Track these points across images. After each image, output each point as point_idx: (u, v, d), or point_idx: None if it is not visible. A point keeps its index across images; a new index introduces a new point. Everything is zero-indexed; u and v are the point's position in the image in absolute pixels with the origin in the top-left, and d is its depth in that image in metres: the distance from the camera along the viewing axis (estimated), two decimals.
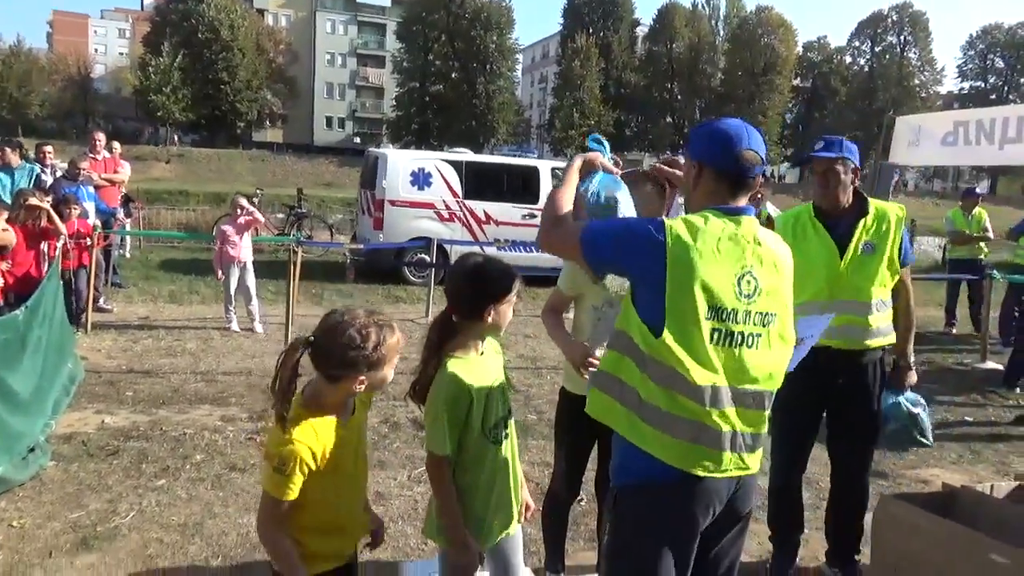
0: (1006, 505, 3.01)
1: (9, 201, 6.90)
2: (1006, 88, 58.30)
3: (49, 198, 6.99)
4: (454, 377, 2.09)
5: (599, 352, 2.66)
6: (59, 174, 8.95)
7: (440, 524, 2.18)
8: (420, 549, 3.51)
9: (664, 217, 2.15)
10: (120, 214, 9.54)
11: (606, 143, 2.53)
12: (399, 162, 11.31)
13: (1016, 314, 8.56)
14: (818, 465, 3.97)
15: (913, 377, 3.27)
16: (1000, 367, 7.74)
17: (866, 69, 59.23)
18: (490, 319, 2.16)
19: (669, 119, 55.75)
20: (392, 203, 11.01)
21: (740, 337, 1.91)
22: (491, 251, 9.86)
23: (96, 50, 71.84)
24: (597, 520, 3.17)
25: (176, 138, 50.30)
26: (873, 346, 3.15)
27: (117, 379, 5.91)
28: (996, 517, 2.87)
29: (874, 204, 3.19)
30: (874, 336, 3.14)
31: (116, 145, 10.31)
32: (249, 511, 3.80)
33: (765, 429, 2.02)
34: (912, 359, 3.30)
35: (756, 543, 3.65)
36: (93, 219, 7.95)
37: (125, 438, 4.69)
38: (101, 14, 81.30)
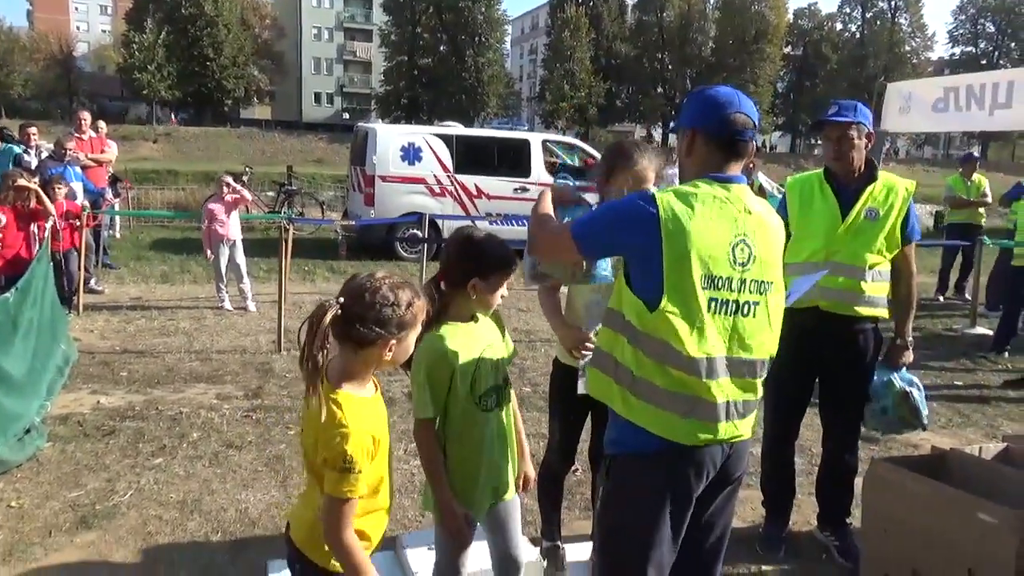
0: (994, 466, 3.05)
1: None
2: (996, 53, 58.02)
3: (36, 179, 6.92)
4: (435, 343, 2.11)
5: (593, 333, 2.70)
6: (44, 155, 8.85)
7: (432, 492, 2.21)
8: (418, 521, 3.55)
9: (653, 189, 2.15)
10: (108, 194, 9.46)
11: (572, 178, 2.60)
12: (389, 137, 11.23)
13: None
14: (810, 431, 4.02)
15: (909, 356, 3.29)
16: (989, 332, 7.82)
17: (857, 36, 58.81)
18: (473, 293, 2.16)
19: (660, 89, 55.35)
20: (383, 179, 10.95)
21: (736, 305, 1.92)
22: (483, 225, 9.83)
23: (78, 28, 70.59)
24: (591, 489, 3.21)
25: (173, 117, 49.79)
26: (864, 314, 3.16)
27: (111, 360, 5.91)
28: (984, 478, 2.92)
29: (884, 175, 3.20)
30: (866, 304, 3.15)
31: (102, 124, 10.21)
32: (247, 487, 3.83)
33: (758, 395, 2.04)
34: (910, 338, 3.30)
35: (749, 508, 3.70)
36: (81, 199, 7.89)
37: (121, 418, 4.70)
38: None
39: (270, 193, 15.94)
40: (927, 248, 10.62)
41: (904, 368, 3.28)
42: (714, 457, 1.97)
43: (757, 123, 2.03)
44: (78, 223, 7.31)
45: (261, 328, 7.08)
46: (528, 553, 2.68)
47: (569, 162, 11.86)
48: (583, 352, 2.59)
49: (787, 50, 57.94)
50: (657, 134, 58.19)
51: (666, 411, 1.90)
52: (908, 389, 3.23)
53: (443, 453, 2.20)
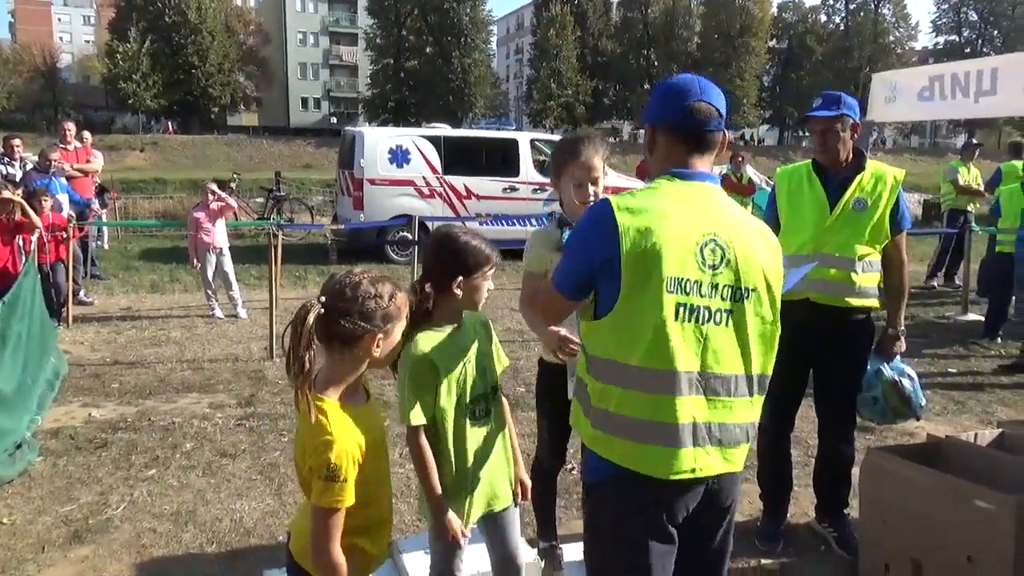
0: (989, 452, 3.05)
1: None
2: (980, 41, 58.33)
3: (20, 191, 6.86)
4: (418, 350, 2.08)
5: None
6: (29, 167, 8.78)
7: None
8: (415, 526, 3.53)
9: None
10: (95, 205, 9.39)
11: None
12: (377, 140, 11.20)
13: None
14: (805, 423, 4.01)
15: (901, 345, 3.28)
16: (981, 319, 7.84)
17: (841, 27, 59.05)
18: (459, 292, 2.14)
19: (647, 86, 55.37)
20: (371, 182, 10.92)
21: (707, 313, 1.73)
22: (473, 225, 9.82)
23: (61, 39, 70.29)
24: None
25: (171, 125, 49.55)
26: (855, 305, 3.15)
27: (102, 371, 5.86)
28: (981, 465, 2.91)
29: (873, 164, 3.20)
30: (857, 295, 3.14)
31: (87, 135, 10.12)
32: (241, 496, 3.80)
33: (745, 419, 1.83)
34: (902, 328, 3.30)
35: (747, 502, 3.70)
36: (67, 211, 7.83)
37: (113, 430, 4.66)
38: (64, 1, 79.46)
39: (259, 199, 15.87)
40: (916, 236, 10.65)
41: (897, 357, 3.28)
42: (684, 492, 1.78)
43: (722, 111, 1.84)
44: (64, 235, 7.25)
45: (253, 335, 7.04)
46: (526, 554, 2.66)
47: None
48: (569, 351, 2.58)
49: (772, 43, 58.16)
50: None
51: (623, 439, 1.75)
52: (898, 378, 3.22)
53: (436, 461, 2.17)
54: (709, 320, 1.73)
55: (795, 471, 3.60)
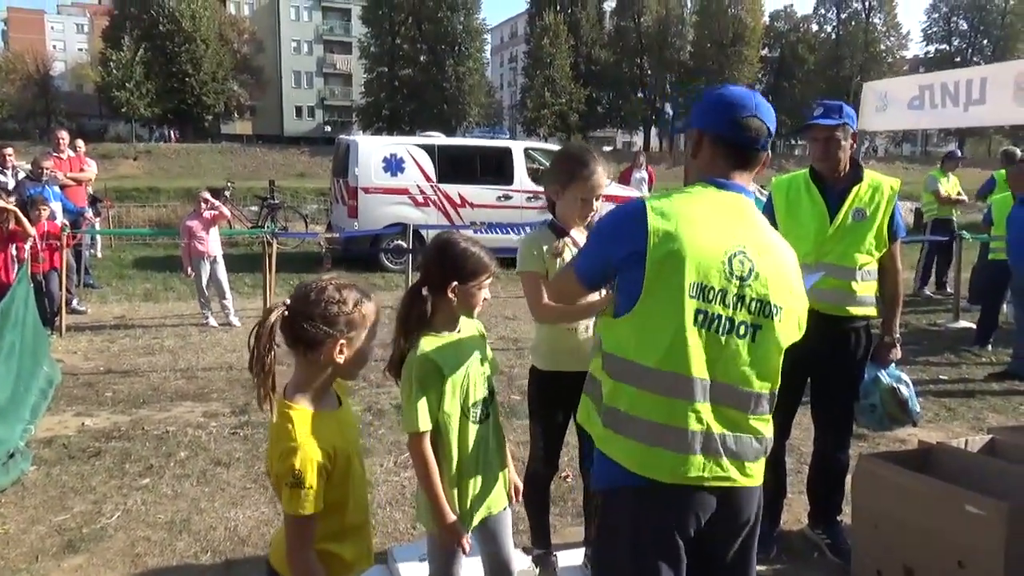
0: (980, 458, 3.08)
1: None
2: (970, 50, 58.82)
3: (13, 199, 6.86)
4: (424, 355, 2.10)
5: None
6: (21, 176, 8.77)
7: (427, 505, 2.19)
8: (409, 534, 3.53)
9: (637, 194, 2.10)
10: (88, 213, 9.39)
11: None
12: (371, 149, 11.22)
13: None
14: (799, 430, 4.03)
15: (897, 352, 3.31)
16: (972, 326, 7.89)
17: (833, 37, 59.47)
18: (454, 297, 2.15)
19: (640, 94, 55.71)
20: (366, 190, 10.93)
21: (729, 324, 1.71)
22: (467, 234, 9.84)
23: (54, 47, 70.15)
24: (584, 495, 3.20)
25: (174, 134, 49.57)
26: (855, 314, 3.17)
27: (95, 380, 5.84)
28: (971, 471, 2.94)
29: (869, 174, 3.22)
30: (857, 304, 3.16)
31: (80, 143, 10.14)
32: (236, 505, 3.80)
33: (760, 434, 1.80)
34: (897, 335, 3.33)
35: None
36: (61, 219, 7.82)
37: (107, 439, 4.64)
38: (57, 9, 79.45)
39: (253, 208, 15.86)
40: (908, 244, 10.70)
41: (892, 364, 3.31)
42: (696, 501, 1.75)
43: (772, 131, 1.84)
44: (58, 243, 7.25)
45: (247, 344, 7.02)
46: (520, 561, 2.67)
47: None
48: None
49: (764, 52, 58.55)
50: (639, 138, 58.52)
51: (631, 440, 1.74)
52: (896, 385, 3.24)
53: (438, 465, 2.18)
54: (731, 331, 1.72)
55: (788, 478, 3.62)
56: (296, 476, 1.63)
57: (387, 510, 3.77)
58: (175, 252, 11.80)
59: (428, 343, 2.14)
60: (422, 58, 52.93)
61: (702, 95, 1.98)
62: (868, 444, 4.55)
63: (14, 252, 6.55)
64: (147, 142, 47.19)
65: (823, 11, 60.48)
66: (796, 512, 3.74)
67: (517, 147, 12.07)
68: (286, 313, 1.74)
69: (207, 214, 7.81)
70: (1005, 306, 7.73)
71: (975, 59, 54.47)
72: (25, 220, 6.50)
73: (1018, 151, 9.27)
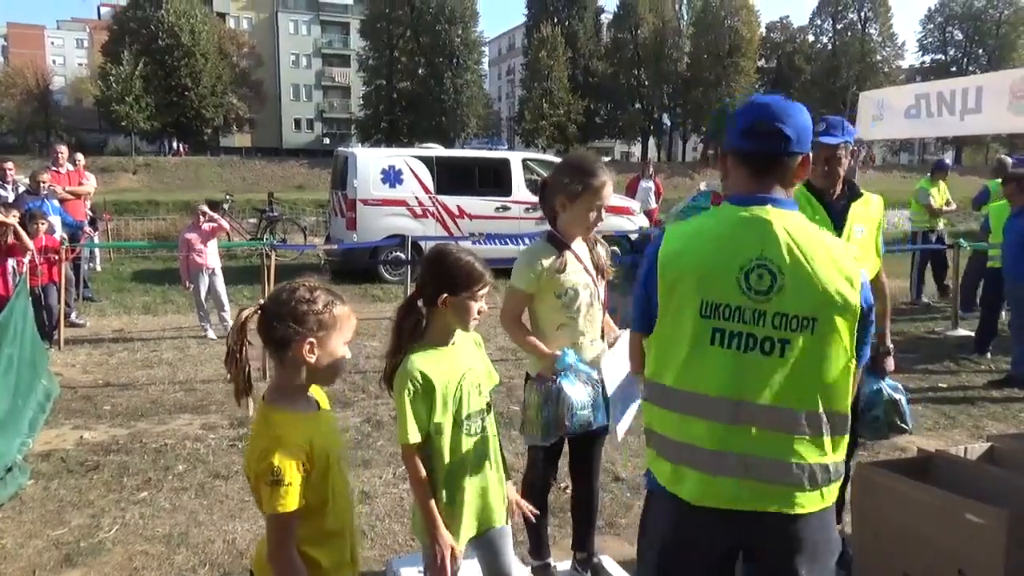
0: (980, 466, 3.08)
1: None
2: (965, 60, 59.12)
3: (14, 213, 6.87)
4: (414, 367, 2.10)
5: (572, 341, 2.73)
6: (21, 190, 8.79)
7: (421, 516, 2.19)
8: (408, 546, 3.51)
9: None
10: (87, 227, 9.40)
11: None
12: (369, 161, 11.25)
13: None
14: None
15: (892, 363, 3.32)
16: (971, 334, 7.89)
17: (829, 47, 59.77)
18: (446, 309, 2.15)
19: (638, 105, 55.92)
20: (364, 202, 10.96)
21: (751, 340, 1.66)
22: (466, 245, 9.86)
23: (54, 61, 70.47)
24: (571, 503, 3.19)
25: (181, 148, 49.73)
26: None
27: (94, 394, 5.83)
28: (971, 479, 2.93)
29: (863, 190, 3.24)
30: None
31: (80, 157, 10.16)
32: (235, 517, 3.78)
33: (808, 458, 1.68)
34: (890, 345, 3.34)
35: None
36: (60, 233, 7.83)
37: (105, 452, 4.63)
38: (57, 24, 79.79)
39: (252, 220, 15.89)
40: (904, 253, 10.70)
41: (888, 375, 3.32)
42: (722, 525, 1.71)
43: (791, 133, 1.73)
44: (56, 257, 7.25)
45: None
46: (519, 573, 2.66)
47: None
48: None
49: (761, 63, 58.87)
50: (636, 149, 58.71)
51: (661, 457, 1.79)
52: (898, 397, 3.26)
53: (432, 478, 2.17)
54: (754, 348, 1.66)
55: None
56: (275, 473, 1.65)
57: (385, 522, 3.76)
58: (174, 265, 11.81)
59: (419, 355, 2.13)
60: (420, 71, 53.14)
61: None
62: (868, 453, 4.53)
63: (13, 266, 6.55)
64: (152, 155, 47.24)
65: (819, 22, 60.82)
66: None
67: (515, 158, 12.11)
68: (259, 313, 1.80)
69: (206, 226, 7.83)
70: (1004, 313, 7.74)
71: (971, 69, 54.75)
72: (24, 234, 6.51)
73: (1009, 160, 9.27)
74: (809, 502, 1.70)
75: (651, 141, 58.31)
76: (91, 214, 10.48)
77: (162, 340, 7.64)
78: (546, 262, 2.69)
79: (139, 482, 4.21)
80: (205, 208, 8.10)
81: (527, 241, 11.04)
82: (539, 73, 51.05)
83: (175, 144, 50.90)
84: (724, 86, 52.31)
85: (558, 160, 13.36)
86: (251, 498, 3.96)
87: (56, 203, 8.41)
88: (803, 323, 1.66)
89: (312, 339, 1.76)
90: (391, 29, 52.57)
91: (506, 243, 11.05)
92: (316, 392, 1.92)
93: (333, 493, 1.81)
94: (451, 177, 11.54)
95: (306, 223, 16.57)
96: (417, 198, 11.23)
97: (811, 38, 61.36)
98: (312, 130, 66.13)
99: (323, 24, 67.38)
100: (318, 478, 1.76)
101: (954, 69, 55.55)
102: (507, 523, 2.36)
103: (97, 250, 11.61)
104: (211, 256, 7.81)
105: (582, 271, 2.76)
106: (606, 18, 58.49)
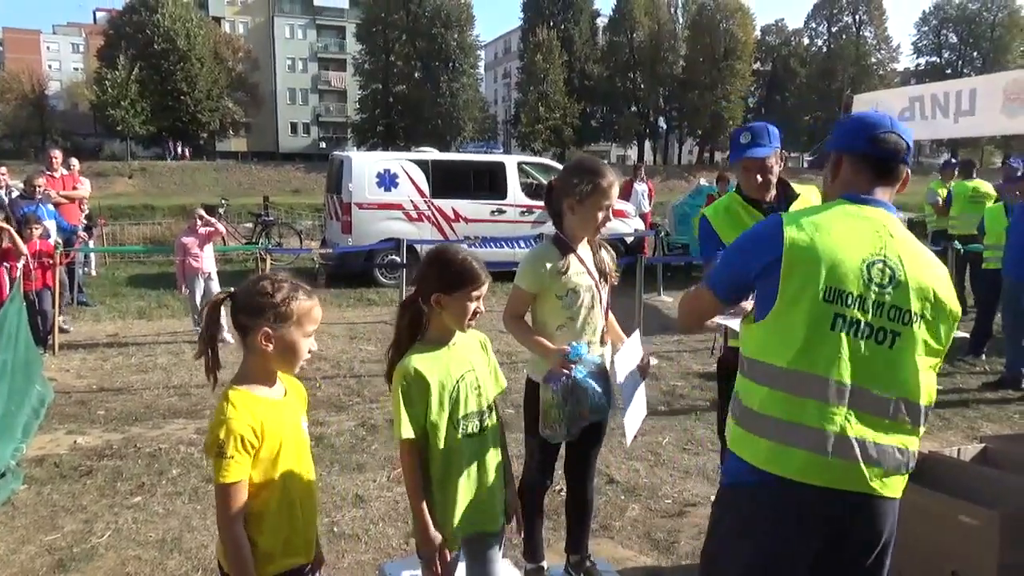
0: (973, 468, 3.08)
1: None
2: (960, 62, 59.39)
3: (6, 216, 6.85)
4: (410, 364, 2.11)
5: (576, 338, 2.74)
6: (15, 194, 8.77)
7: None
8: (402, 549, 3.50)
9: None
10: (81, 232, 9.38)
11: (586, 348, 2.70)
12: (364, 164, 11.25)
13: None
14: None
15: None
16: (967, 335, 7.90)
17: (824, 50, 60.02)
18: (439, 308, 2.15)
19: (634, 108, 56.06)
20: (359, 206, 10.96)
21: (868, 329, 1.75)
22: (463, 247, 9.85)
23: (50, 66, 70.35)
24: (565, 505, 3.19)
25: (183, 151, 49.72)
26: None
27: (88, 398, 5.82)
28: (964, 480, 2.93)
29: (798, 187, 3.12)
30: None
31: (74, 162, 10.13)
32: None
33: (907, 445, 1.79)
34: None
35: None
36: (55, 237, 7.81)
37: (98, 457, 4.62)
38: (53, 29, 79.65)
39: (248, 224, 15.88)
40: None
41: None
42: (820, 505, 1.74)
43: (910, 147, 1.90)
44: (51, 261, 7.23)
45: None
46: None
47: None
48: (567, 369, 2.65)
49: (756, 66, 59.04)
50: (632, 152, 58.82)
51: (762, 438, 1.78)
52: None
53: (426, 477, 2.16)
54: (870, 337, 1.75)
55: None
56: (220, 446, 1.76)
57: (379, 526, 3.75)
58: (169, 269, 11.79)
59: (416, 354, 2.14)
60: (416, 75, 53.23)
61: (837, 124, 2.06)
62: None
63: (7, 270, 6.53)
64: (151, 160, 47.20)
65: (814, 25, 61.09)
66: None
67: (510, 162, 12.12)
68: (227, 298, 1.93)
69: (202, 231, 7.81)
70: (999, 315, 7.75)
71: (965, 71, 54.99)
72: (18, 238, 6.49)
73: (998, 161, 9.30)
74: (898, 487, 1.81)
75: (647, 144, 58.43)
76: (86, 221, 10.47)
77: (157, 345, 7.62)
78: (550, 264, 2.72)
79: (132, 487, 4.20)
80: (201, 212, 8.08)
81: (522, 244, 11.07)
82: (535, 77, 51.14)
83: (177, 148, 50.87)
84: (720, 88, 52.46)
85: (554, 164, 13.43)
86: None
87: (51, 207, 8.39)
88: (915, 318, 1.78)
89: (267, 328, 1.84)
90: (387, 33, 52.63)
91: (501, 246, 11.06)
92: (289, 382, 2.01)
93: (284, 480, 1.87)
94: (447, 181, 11.55)
95: (302, 227, 16.57)
96: (412, 202, 11.23)
97: (806, 41, 61.62)
98: (308, 134, 66.11)
99: (319, 28, 67.38)
100: (266, 455, 1.83)
101: (949, 72, 55.82)
102: (502, 528, 2.34)
103: (92, 255, 11.59)
104: (207, 260, 7.79)
105: (584, 273, 2.78)
106: (602, 22, 58.64)
